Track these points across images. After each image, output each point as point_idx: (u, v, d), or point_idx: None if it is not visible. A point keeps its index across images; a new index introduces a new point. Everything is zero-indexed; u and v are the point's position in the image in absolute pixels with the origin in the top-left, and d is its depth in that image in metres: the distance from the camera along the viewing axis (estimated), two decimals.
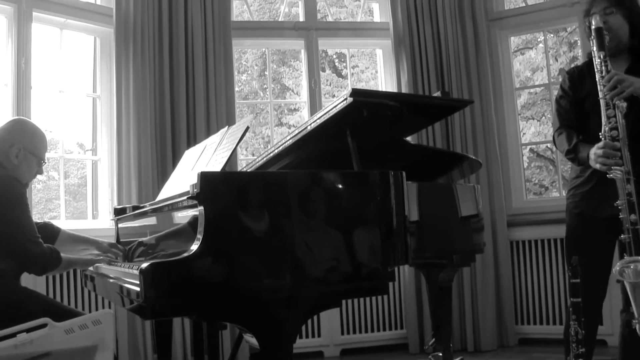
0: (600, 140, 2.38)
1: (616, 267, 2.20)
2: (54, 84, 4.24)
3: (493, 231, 4.48)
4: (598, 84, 2.41)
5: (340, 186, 1.96)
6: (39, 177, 2.78)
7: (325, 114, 2.13)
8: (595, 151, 2.40)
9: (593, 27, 2.44)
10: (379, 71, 5.07)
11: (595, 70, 2.44)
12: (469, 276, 4.46)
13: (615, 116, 2.35)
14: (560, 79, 2.85)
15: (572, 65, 2.91)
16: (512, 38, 5.01)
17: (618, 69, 2.53)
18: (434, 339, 2.75)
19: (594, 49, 2.45)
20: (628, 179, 2.29)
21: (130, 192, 4.00)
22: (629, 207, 2.27)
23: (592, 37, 2.45)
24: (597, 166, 2.39)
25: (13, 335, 2.08)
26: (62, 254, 2.55)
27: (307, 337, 4.37)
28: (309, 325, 4.37)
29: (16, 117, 3.13)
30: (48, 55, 4.56)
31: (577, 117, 2.72)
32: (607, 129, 2.36)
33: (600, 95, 2.39)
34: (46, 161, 2.81)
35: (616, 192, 2.32)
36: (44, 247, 2.52)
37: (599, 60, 2.42)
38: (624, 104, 2.36)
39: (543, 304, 4.40)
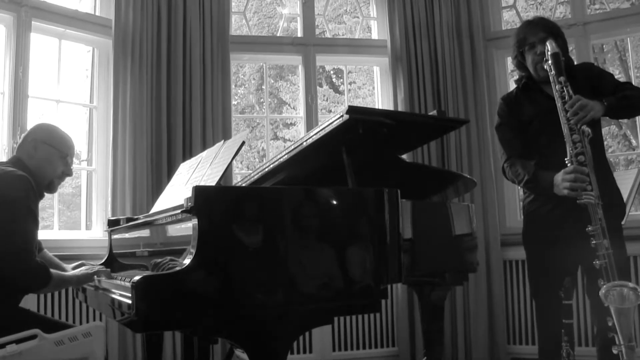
0: (564, 164, 2.39)
1: (601, 290, 2.18)
2: (51, 94, 4.24)
3: (486, 250, 4.47)
4: (559, 110, 2.43)
5: (334, 203, 1.96)
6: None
7: (321, 130, 2.14)
8: (564, 176, 2.39)
9: (550, 52, 2.50)
10: (376, 88, 5.09)
11: (555, 96, 2.46)
12: (461, 295, 4.45)
13: (581, 141, 2.35)
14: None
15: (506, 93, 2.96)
16: (509, 58, 5.03)
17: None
18: (425, 357, 2.74)
19: (552, 73, 2.48)
20: (598, 204, 2.29)
21: (124, 203, 3.99)
22: (602, 232, 2.26)
23: (550, 63, 2.49)
24: (565, 192, 2.38)
25: (2, 346, 2.06)
26: (52, 271, 2.32)
27: (298, 352, 4.34)
28: (300, 341, 4.34)
29: None
30: (46, 64, 4.56)
31: (522, 143, 2.75)
32: (573, 153, 2.36)
33: (564, 120, 2.40)
34: (72, 161, 2.71)
35: (575, 213, 2.34)
36: (34, 261, 2.29)
37: (559, 86, 2.45)
38: (589, 129, 2.37)
39: (535, 324, 4.38)
